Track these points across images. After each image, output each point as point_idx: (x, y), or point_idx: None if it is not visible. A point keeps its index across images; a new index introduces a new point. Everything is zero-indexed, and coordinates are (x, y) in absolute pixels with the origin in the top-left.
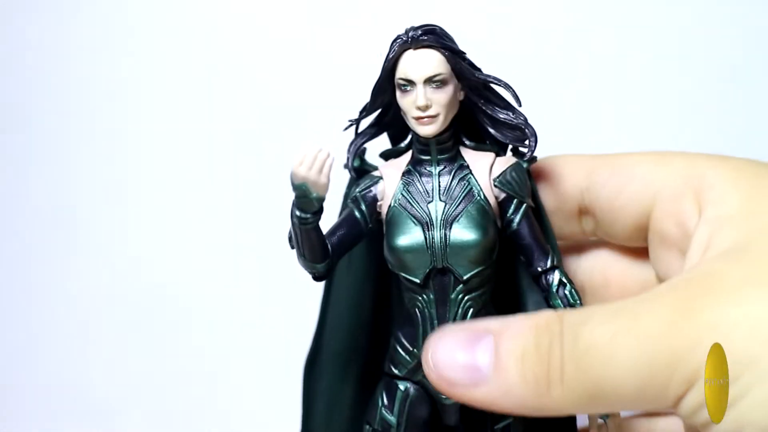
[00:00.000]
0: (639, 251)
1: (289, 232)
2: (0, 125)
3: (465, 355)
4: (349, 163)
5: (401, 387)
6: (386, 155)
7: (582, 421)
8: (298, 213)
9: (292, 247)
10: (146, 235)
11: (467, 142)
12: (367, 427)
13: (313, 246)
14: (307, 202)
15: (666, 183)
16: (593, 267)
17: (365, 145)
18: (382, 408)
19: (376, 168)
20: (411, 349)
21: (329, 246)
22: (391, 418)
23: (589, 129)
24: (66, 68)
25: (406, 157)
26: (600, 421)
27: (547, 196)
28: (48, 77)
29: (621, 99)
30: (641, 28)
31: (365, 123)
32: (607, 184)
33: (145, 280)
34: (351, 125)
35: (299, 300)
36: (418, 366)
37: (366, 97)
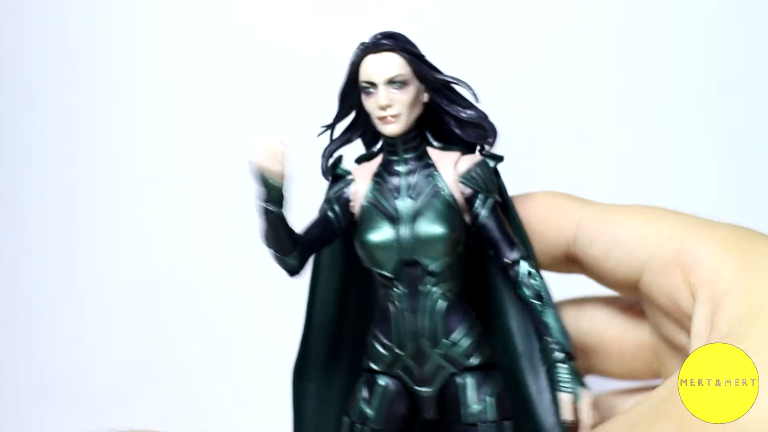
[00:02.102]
0: (634, 311)
1: (263, 229)
2: (6, 121)
3: None
4: (324, 168)
5: (381, 382)
6: (359, 160)
7: None
8: (260, 203)
9: (267, 244)
10: (149, 232)
11: (434, 143)
12: (346, 419)
13: (279, 237)
14: (267, 192)
15: (654, 254)
16: (590, 330)
17: (341, 152)
18: (362, 401)
19: (349, 173)
20: (387, 343)
21: (299, 240)
22: (370, 412)
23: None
24: (69, 68)
25: (378, 160)
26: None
27: (534, 240)
28: (51, 77)
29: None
30: (618, 30)
31: (340, 129)
32: (595, 243)
33: (147, 277)
34: (325, 131)
35: (290, 304)
36: (395, 360)
37: None
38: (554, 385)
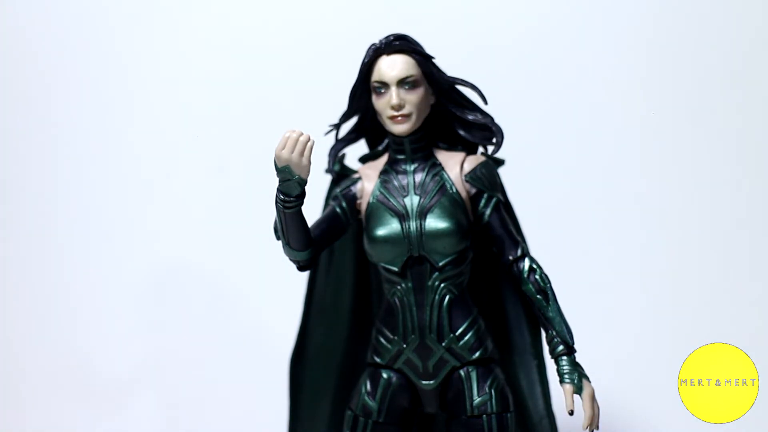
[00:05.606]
0: None
1: (275, 223)
2: (19, 112)
3: None
4: (330, 167)
5: (384, 375)
6: (364, 159)
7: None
8: (282, 197)
9: (278, 238)
10: (153, 229)
11: (440, 144)
12: (349, 412)
13: (296, 232)
14: (290, 185)
15: None
16: None
17: (345, 151)
18: (365, 395)
19: (355, 171)
20: (392, 337)
21: (312, 236)
22: (373, 405)
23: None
24: (81, 69)
25: (383, 158)
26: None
27: None
28: (62, 79)
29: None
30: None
31: (345, 129)
32: None
33: (153, 273)
34: (331, 130)
35: (287, 298)
36: (399, 354)
37: None
38: (559, 378)
